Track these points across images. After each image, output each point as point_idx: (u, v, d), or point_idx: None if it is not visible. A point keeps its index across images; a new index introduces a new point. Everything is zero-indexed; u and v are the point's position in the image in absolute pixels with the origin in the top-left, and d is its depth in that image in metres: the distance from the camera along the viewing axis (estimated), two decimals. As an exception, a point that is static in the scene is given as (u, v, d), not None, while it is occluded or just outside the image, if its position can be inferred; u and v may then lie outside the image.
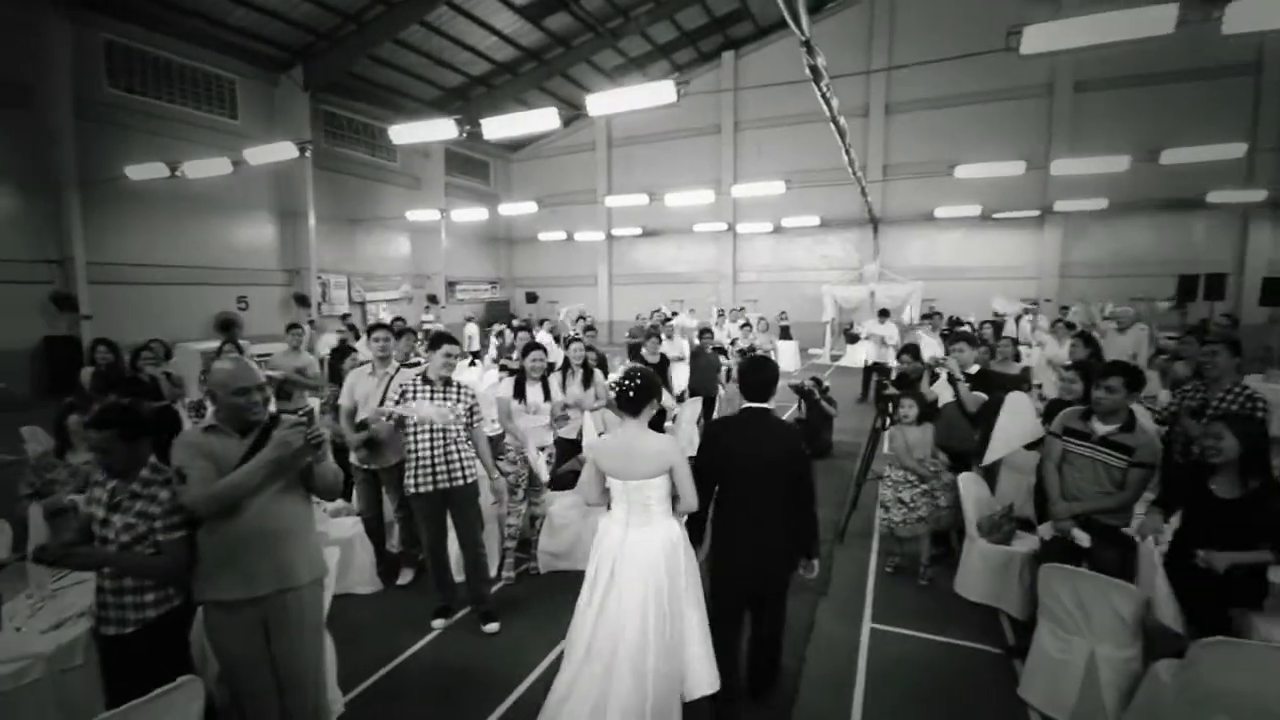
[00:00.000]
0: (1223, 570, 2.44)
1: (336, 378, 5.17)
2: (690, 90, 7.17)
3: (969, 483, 3.97)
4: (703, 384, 7.20)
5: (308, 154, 10.15)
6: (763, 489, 2.63)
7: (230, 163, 10.67)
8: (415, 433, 3.54)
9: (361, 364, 4.63)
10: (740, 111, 20.64)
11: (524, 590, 4.17)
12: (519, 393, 4.16)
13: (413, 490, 3.55)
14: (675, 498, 2.56)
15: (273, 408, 2.82)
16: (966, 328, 8.20)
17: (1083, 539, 2.93)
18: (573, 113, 10.39)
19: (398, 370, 4.23)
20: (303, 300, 16.42)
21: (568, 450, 4.98)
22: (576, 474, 4.62)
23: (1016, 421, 3.80)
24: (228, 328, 14.02)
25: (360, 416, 4.10)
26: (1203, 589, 2.55)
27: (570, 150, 23.39)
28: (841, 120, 8.21)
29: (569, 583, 4.16)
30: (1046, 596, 2.83)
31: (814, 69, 5.82)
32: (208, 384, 2.40)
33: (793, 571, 2.77)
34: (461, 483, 3.60)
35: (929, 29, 17.87)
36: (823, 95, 6.75)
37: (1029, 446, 3.80)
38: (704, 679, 2.52)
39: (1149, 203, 16.54)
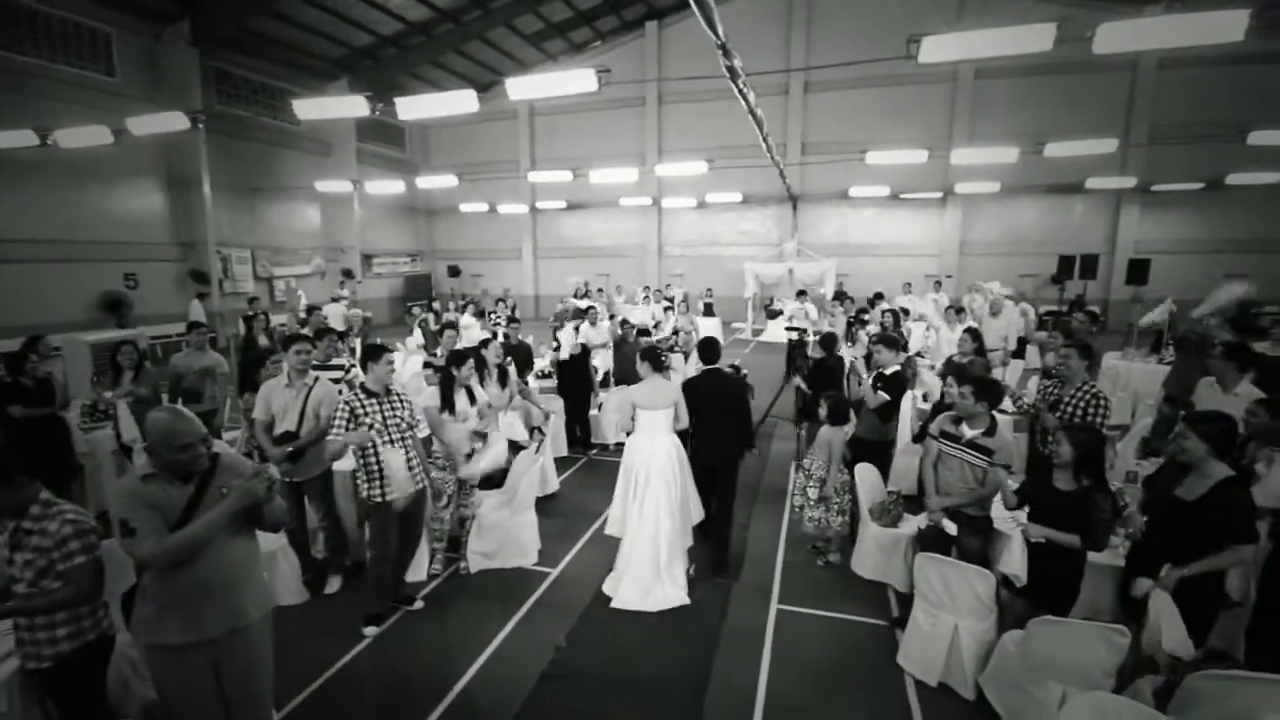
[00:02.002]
0: (1035, 539, 2.95)
1: (249, 385, 5.00)
2: (612, 80, 7.17)
3: (864, 473, 4.40)
4: (627, 372, 7.41)
5: (200, 126, 9.39)
6: (719, 412, 4.39)
7: (110, 132, 9.72)
8: (376, 440, 3.60)
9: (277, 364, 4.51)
10: (664, 84, 20.56)
11: (454, 589, 4.30)
12: (446, 401, 4.21)
13: (380, 498, 3.62)
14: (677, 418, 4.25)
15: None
16: (884, 310, 8.76)
17: (950, 528, 3.39)
18: (491, 95, 10.14)
19: (316, 381, 4.18)
20: (200, 276, 15.32)
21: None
22: (505, 474, 4.76)
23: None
24: (116, 308, 13.05)
25: (280, 429, 4.05)
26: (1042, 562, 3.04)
27: (491, 118, 22.54)
28: (759, 112, 8.45)
29: (500, 582, 4.35)
30: (920, 580, 3.27)
31: (731, 69, 5.98)
32: (146, 438, 2.28)
33: (740, 456, 4.54)
34: (422, 487, 3.79)
35: (845, 13, 18.41)
36: (740, 92, 6.94)
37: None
38: (697, 512, 4.43)
39: (1036, 187, 17.97)
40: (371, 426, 3.58)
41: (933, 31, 6.06)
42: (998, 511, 3.50)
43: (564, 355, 6.93)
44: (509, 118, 22.36)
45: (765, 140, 10.53)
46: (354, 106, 8.43)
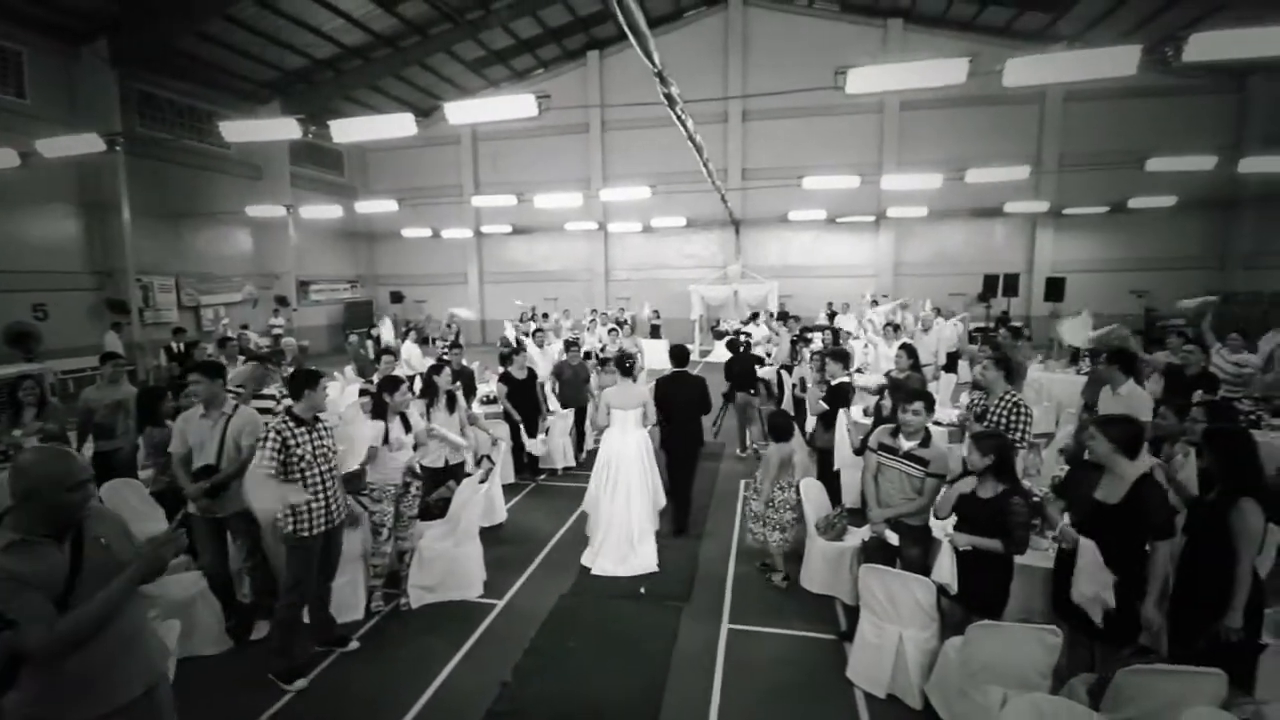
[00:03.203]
0: (963, 546, 3.03)
1: (152, 419, 4.67)
2: (553, 105, 7.21)
3: (809, 488, 4.47)
4: (573, 397, 7.35)
5: (118, 149, 8.92)
6: (684, 407, 5.35)
7: (17, 155, 9.11)
8: (305, 472, 3.40)
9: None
10: (607, 111, 20.86)
11: (394, 627, 4.10)
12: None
13: (306, 533, 3.42)
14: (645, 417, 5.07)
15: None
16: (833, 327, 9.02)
17: (892, 538, 3.47)
18: (432, 120, 10.03)
19: (235, 410, 3.94)
20: (117, 305, 14.41)
21: (436, 478, 4.91)
22: (447, 502, 4.60)
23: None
24: (21, 341, 12.18)
25: (198, 463, 3.80)
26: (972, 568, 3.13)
27: (432, 143, 22.32)
28: (699, 138, 8.66)
29: (443, 616, 4.17)
30: (865, 592, 3.31)
31: (668, 96, 6.12)
32: (25, 482, 1.89)
33: (700, 444, 5.56)
34: (339, 520, 3.61)
35: (778, 46, 19.25)
36: (678, 118, 7.10)
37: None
38: (661, 499, 5.23)
39: (960, 211, 19.01)
40: (303, 459, 3.39)
41: (858, 64, 6.37)
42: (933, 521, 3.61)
43: (539, 369, 6.98)
44: (451, 143, 22.19)
45: (706, 165, 10.80)
46: (285, 129, 8.20)
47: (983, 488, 3.09)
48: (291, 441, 3.39)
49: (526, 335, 9.45)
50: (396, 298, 22.15)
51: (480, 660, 3.75)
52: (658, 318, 17.49)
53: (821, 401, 5.02)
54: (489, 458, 5.57)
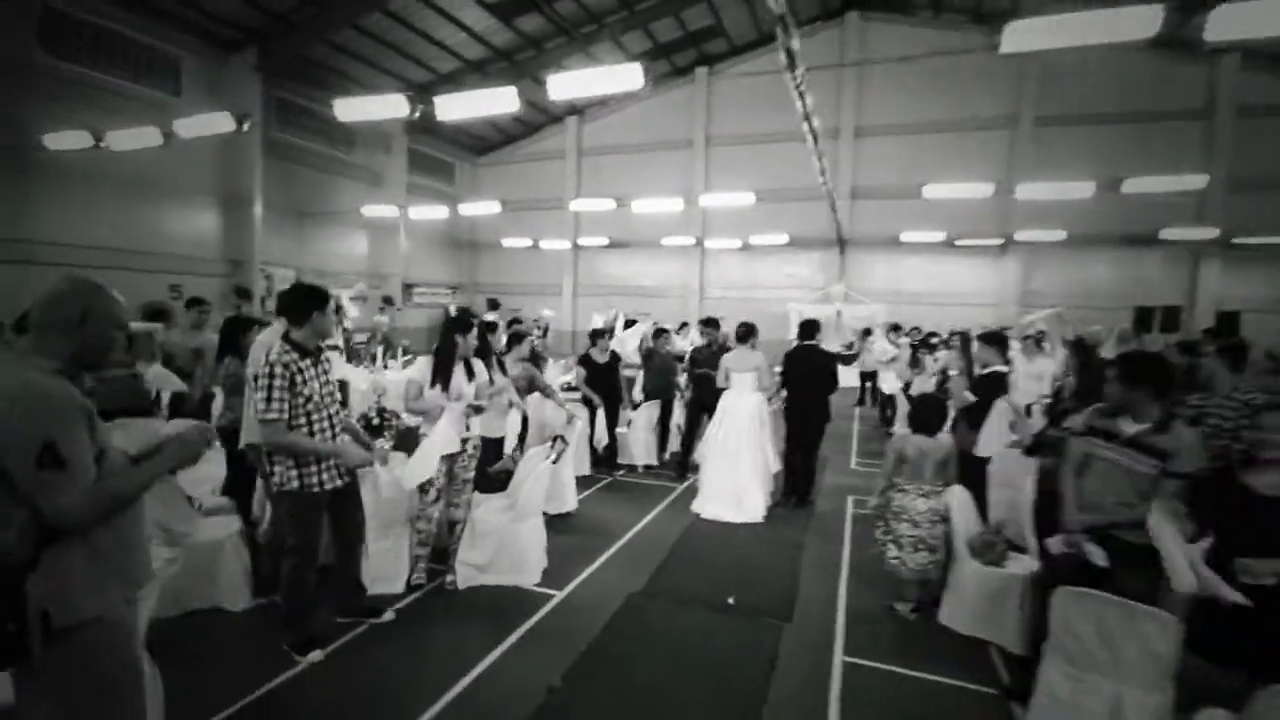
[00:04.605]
0: (1264, 579, 2.00)
1: (235, 349, 4.33)
2: (657, 89, 6.74)
3: (956, 495, 3.48)
4: (660, 388, 6.64)
5: (246, 127, 9.40)
6: (807, 380, 5.36)
7: (160, 134, 9.78)
8: (312, 415, 2.86)
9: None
10: (712, 127, 20.49)
11: (434, 605, 3.49)
12: (442, 373, 3.52)
13: (314, 488, 2.86)
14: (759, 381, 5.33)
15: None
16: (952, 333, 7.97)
17: (1098, 556, 2.45)
18: (538, 114, 9.88)
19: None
20: (243, 292, 15.35)
21: (494, 449, 4.31)
22: (509, 476, 3.99)
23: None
24: (158, 317, 13.00)
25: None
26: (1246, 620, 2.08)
27: (539, 157, 22.91)
28: (815, 122, 7.89)
29: (491, 601, 3.53)
30: (1059, 627, 2.32)
31: (789, 52, 5.45)
32: (83, 303, 1.59)
33: (825, 419, 5.52)
34: (349, 476, 3.05)
35: (900, 57, 18.13)
36: (795, 86, 6.40)
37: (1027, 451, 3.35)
38: (774, 462, 5.49)
39: (1106, 237, 16.84)
40: (309, 399, 2.84)
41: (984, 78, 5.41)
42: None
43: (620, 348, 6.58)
44: (557, 158, 22.60)
45: (820, 158, 9.91)
46: (394, 106, 8.22)
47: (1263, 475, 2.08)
48: (299, 378, 2.80)
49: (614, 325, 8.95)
50: (494, 305, 22.52)
51: (528, 656, 3.05)
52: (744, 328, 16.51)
53: (968, 393, 4.02)
54: (563, 438, 4.95)
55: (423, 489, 3.47)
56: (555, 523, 4.74)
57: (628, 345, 7.20)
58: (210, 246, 15.04)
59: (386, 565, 3.50)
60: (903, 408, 8.16)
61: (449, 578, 3.63)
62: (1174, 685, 2.18)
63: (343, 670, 2.88)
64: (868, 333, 11.46)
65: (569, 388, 6.77)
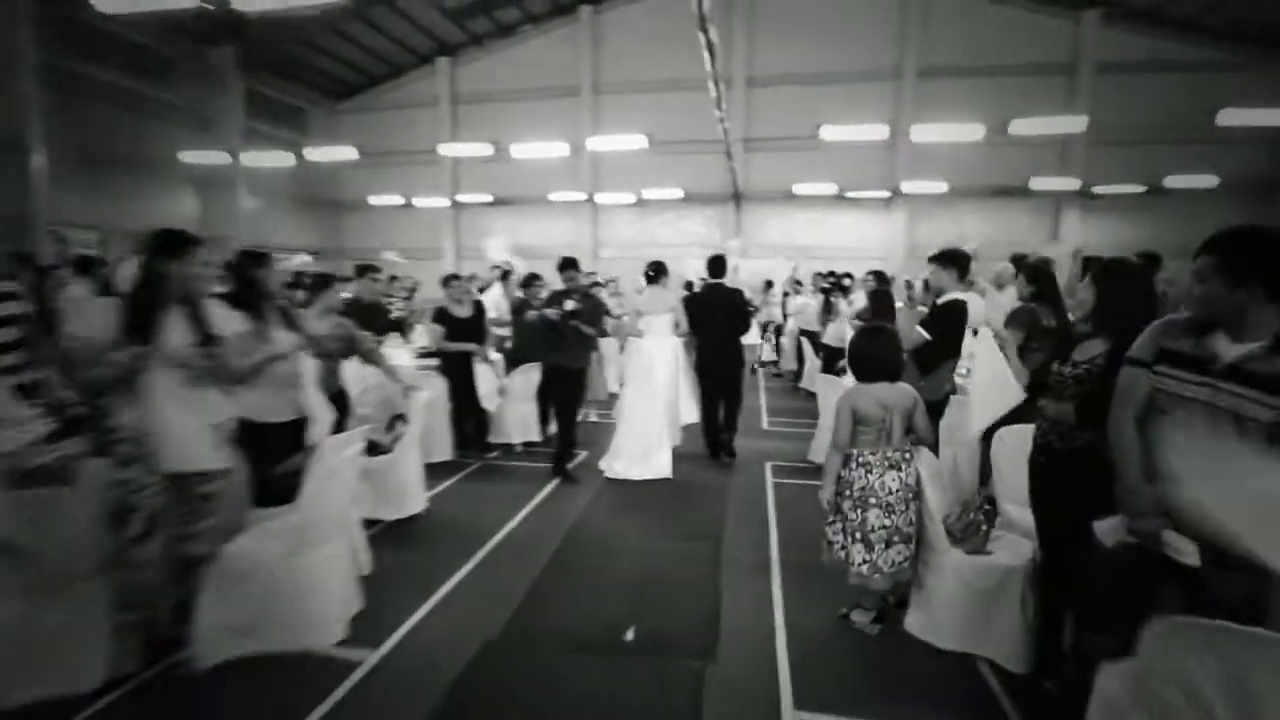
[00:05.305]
0: None
1: None
2: (539, 28, 5.36)
3: (926, 458, 2.57)
4: (529, 348, 5.37)
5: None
6: (718, 323, 5.02)
7: None
8: None
9: None
10: (601, 72, 19.03)
11: (161, 710, 2.15)
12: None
13: None
14: (676, 325, 5.00)
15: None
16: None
17: (1188, 552, 1.59)
18: (404, 53, 8.12)
19: None
20: (23, 259, 12.28)
21: (280, 441, 2.87)
22: (296, 478, 2.66)
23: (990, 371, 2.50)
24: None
25: None
26: None
27: (408, 104, 20.41)
28: (719, 63, 6.88)
29: (268, 679, 2.24)
30: (1158, 677, 1.43)
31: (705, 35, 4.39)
32: None
33: (741, 366, 5.24)
34: None
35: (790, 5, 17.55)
36: (704, 33, 5.44)
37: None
38: (689, 413, 5.42)
39: (981, 189, 17.33)
40: None
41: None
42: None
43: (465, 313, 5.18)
44: (429, 104, 20.21)
45: (719, 105, 8.95)
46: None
47: None
48: None
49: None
50: (361, 271, 20.10)
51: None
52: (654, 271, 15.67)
53: (920, 329, 3.17)
54: (402, 417, 3.66)
55: (119, 517, 2.09)
56: (392, 533, 3.49)
57: (491, 294, 5.96)
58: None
59: (66, 652, 2.10)
60: (812, 362, 7.50)
61: (187, 654, 2.28)
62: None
63: None
64: (769, 285, 10.82)
65: (425, 353, 5.42)
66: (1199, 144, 15.65)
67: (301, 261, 12.07)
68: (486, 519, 3.80)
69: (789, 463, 5.10)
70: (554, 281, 5.29)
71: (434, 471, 4.37)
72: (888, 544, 2.44)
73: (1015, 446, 2.55)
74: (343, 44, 17.60)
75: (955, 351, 3.24)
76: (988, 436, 2.80)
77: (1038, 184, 16.53)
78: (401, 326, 6.03)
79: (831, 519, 2.60)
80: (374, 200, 19.65)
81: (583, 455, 5.13)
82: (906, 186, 16.96)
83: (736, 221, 18.89)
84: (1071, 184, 16.51)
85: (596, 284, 8.82)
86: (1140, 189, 16.37)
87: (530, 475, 4.72)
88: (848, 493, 2.52)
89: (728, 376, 5.08)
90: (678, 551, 3.49)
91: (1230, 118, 11.48)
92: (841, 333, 6.20)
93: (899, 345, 2.61)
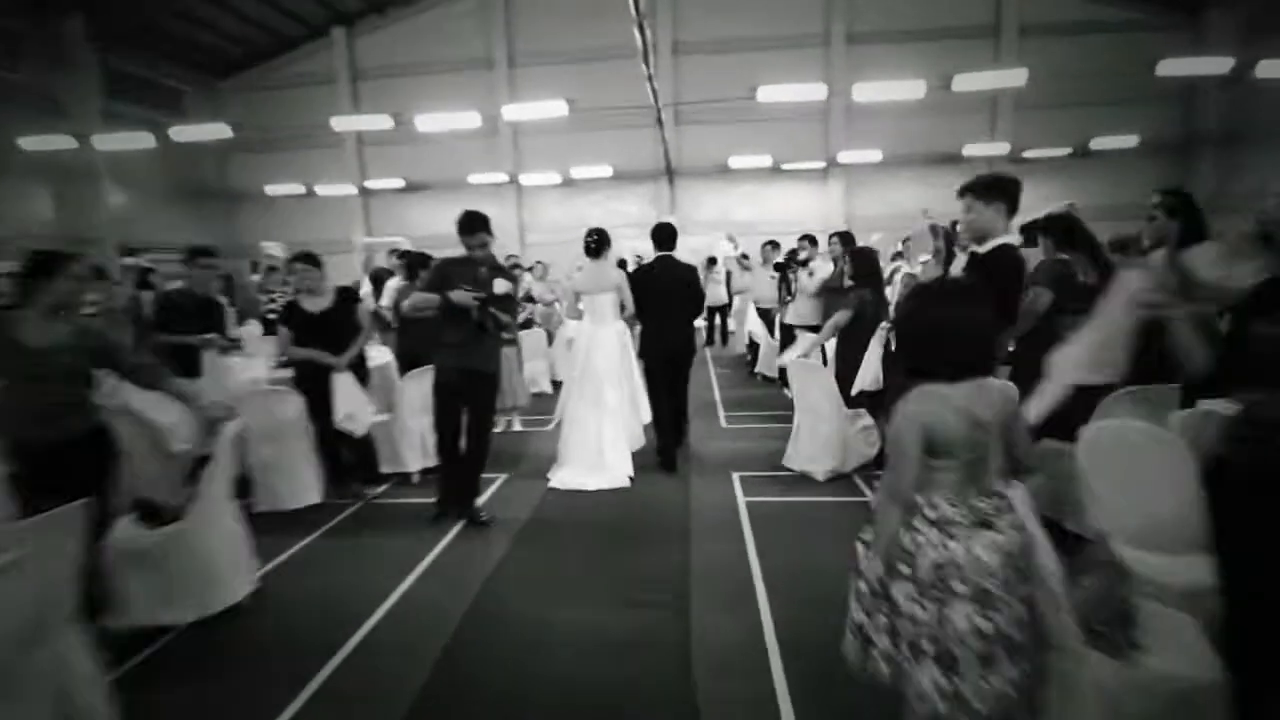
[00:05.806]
0: None
1: None
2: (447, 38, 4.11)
3: (1019, 501, 1.58)
4: (420, 351, 4.18)
5: None
6: (666, 303, 4.36)
7: None
8: None
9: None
10: (516, 42, 17.60)
11: None
12: None
13: None
14: (622, 306, 4.36)
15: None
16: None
17: None
18: (292, 24, 6.65)
19: None
20: None
21: None
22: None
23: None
24: None
25: None
26: None
27: (303, 81, 18.36)
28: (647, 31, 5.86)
29: None
30: None
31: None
32: None
33: (692, 350, 4.66)
34: None
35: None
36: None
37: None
38: (645, 411, 4.59)
39: (915, 157, 17.08)
40: None
41: None
42: None
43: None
44: (326, 81, 18.22)
45: (650, 80, 7.95)
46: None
47: None
48: None
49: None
50: (192, 256, 17.97)
51: None
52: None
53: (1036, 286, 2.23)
54: (205, 460, 2.46)
55: None
56: (186, 646, 2.30)
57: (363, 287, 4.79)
58: None
59: None
60: (767, 345, 6.66)
61: None
62: None
63: None
64: (712, 262, 9.96)
65: (283, 364, 4.11)
66: (1122, 104, 15.87)
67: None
68: (353, 597, 2.66)
69: (761, 472, 4.21)
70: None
71: (288, 525, 3.19)
72: (986, 664, 1.39)
73: (1111, 449, 1.63)
74: (218, 12, 15.44)
75: (1011, 319, 2.35)
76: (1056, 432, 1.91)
77: (970, 150, 16.39)
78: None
79: (865, 600, 1.55)
80: (271, 190, 17.62)
81: (500, 479, 4.06)
82: (842, 156, 16.56)
83: (671, 198, 17.99)
84: (1001, 148, 16.46)
85: (518, 267, 7.62)
86: (1066, 151, 16.50)
87: (427, 516, 3.57)
88: (907, 571, 1.47)
89: (679, 366, 4.53)
90: (631, 631, 2.47)
91: (1170, 68, 11.43)
92: (806, 309, 5.34)
93: (991, 314, 1.55)
